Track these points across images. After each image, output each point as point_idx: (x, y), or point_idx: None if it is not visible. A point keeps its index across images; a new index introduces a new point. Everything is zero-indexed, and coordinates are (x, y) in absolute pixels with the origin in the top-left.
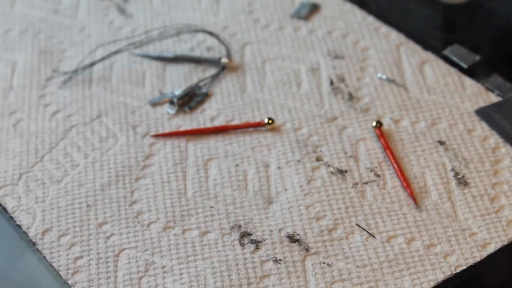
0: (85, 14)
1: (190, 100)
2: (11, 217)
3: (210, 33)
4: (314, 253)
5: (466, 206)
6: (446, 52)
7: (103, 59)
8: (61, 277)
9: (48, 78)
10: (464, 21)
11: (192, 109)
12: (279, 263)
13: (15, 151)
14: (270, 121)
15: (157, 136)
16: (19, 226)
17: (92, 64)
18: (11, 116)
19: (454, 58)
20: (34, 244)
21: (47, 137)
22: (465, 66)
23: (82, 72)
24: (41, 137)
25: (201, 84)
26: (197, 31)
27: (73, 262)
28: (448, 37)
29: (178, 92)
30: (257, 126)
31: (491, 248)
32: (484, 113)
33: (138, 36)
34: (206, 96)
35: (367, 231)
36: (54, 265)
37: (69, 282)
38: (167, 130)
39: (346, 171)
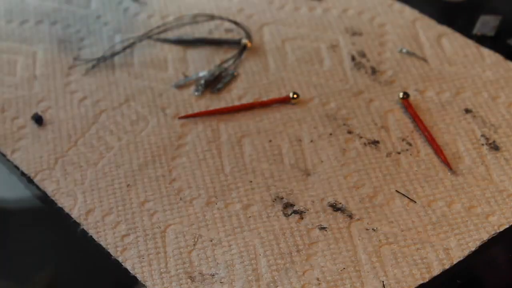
0: (98, 3)
1: (216, 81)
2: (52, 200)
3: (227, 19)
4: (358, 219)
5: (500, 169)
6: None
7: (124, 48)
8: (111, 255)
9: (71, 67)
10: (464, 20)
11: (220, 90)
12: (325, 230)
13: (48, 137)
14: (295, 96)
15: (186, 116)
16: (61, 209)
17: (115, 54)
18: (39, 104)
19: None
20: (78, 224)
21: (78, 123)
22: None
23: (104, 60)
24: (72, 123)
25: (225, 65)
26: (213, 17)
27: (121, 240)
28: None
29: (202, 73)
30: (284, 101)
31: None
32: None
33: (155, 22)
34: (233, 77)
35: (407, 197)
36: (102, 243)
37: (119, 259)
38: (196, 111)
39: (378, 142)
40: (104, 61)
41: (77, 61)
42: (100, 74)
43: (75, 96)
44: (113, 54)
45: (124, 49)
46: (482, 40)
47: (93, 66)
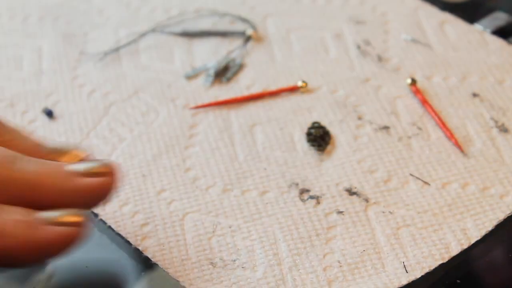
0: None
1: (224, 72)
2: None
3: (230, 14)
4: (374, 203)
5: (511, 151)
6: None
7: (130, 42)
8: (131, 244)
9: (77, 60)
10: (466, 20)
11: (229, 79)
12: (343, 214)
13: (59, 130)
14: (304, 84)
15: (197, 107)
16: None
17: (120, 47)
18: (48, 98)
19: None
20: (96, 215)
21: (88, 115)
22: None
23: (110, 53)
24: (83, 116)
25: (231, 56)
26: (215, 12)
27: (140, 229)
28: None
29: (210, 64)
30: (292, 90)
31: None
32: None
33: (159, 15)
34: (240, 66)
35: (421, 180)
36: (122, 233)
37: (140, 247)
38: (205, 101)
39: (389, 127)
40: (110, 53)
41: (84, 55)
42: (107, 68)
43: (84, 89)
44: (119, 47)
45: (130, 42)
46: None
47: (100, 59)
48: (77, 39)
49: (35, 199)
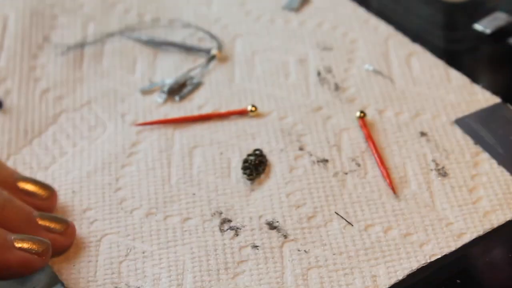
0: None
1: (180, 89)
2: None
3: (201, 30)
4: (292, 239)
5: (444, 196)
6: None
7: (96, 41)
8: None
9: (40, 46)
10: (466, 20)
11: (182, 98)
12: (257, 249)
13: (4, 126)
14: (253, 109)
15: (143, 124)
16: None
17: (84, 45)
18: (1, 84)
19: None
20: None
21: (36, 119)
22: None
23: (73, 49)
24: (31, 118)
25: (191, 74)
26: (189, 25)
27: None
28: (449, 36)
29: (168, 81)
30: (241, 113)
31: (467, 238)
32: (463, 123)
33: (131, 18)
34: (197, 85)
35: (345, 219)
36: None
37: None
38: (155, 118)
39: (327, 160)
40: (74, 49)
41: (47, 42)
42: (67, 65)
43: (39, 85)
44: (83, 44)
45: (96, 41)
46: (481, 38)
47: (63, 53)
48: (45, 21)
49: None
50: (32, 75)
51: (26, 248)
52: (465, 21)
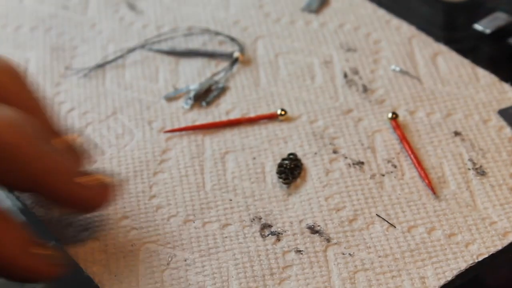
0: (95, 11)
1: (206, 94)
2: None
3: (221, 34)
4: (336, 243)
5: (485, 196)
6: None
7: (117, 58)
8: (83, 270)
9: (62, 75)
10: (466, 20)
11: (209, 104)
12: (301, 253)
13: None
14: (283, 112)
15: (171, 131)
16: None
17: (106, 63)
18: None
19: None
20: (57, 240)
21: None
22: None
23: (95, 69)
24: None
25: (215, 78)
26: (208, 30)
27: (92, 255)
28: (449, 36)
29: (193, 86)
30: (271, 117)
31: None
32: (507, 114)
33: (150, 32)
34: (223, 90)
35: (387, 221)
36: (74, 257)
37: (91, 275)
38: (183, 125)
39: (363, 163)
40: (95, 70)
41: (69, 70)
42: (90, 85)
43: (63, 106)
44: (105, 63)
45: (116, 58)
46: (481, 38)
47: (84, 75)
48: (66, 53)
49: (38, 186)
50: (56, 100)
51: (47, 254)
52: (465, 21)
